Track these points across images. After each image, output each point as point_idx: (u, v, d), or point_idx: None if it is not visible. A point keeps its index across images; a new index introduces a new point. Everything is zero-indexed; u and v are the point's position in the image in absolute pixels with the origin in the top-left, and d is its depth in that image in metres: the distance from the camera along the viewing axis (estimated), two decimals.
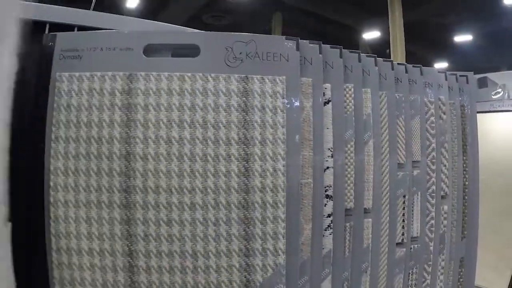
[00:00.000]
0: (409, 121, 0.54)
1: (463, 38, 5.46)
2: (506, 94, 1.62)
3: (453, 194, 0.60)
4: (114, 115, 0.41)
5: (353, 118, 0.48)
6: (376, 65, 0.51)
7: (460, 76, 0.62)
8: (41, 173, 0.41)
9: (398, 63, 0.55)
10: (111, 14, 0.76)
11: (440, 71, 0.60)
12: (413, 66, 0.56)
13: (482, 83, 1.69)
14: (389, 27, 4.40)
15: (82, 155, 0.41)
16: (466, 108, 0.63)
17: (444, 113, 0.59)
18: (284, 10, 5.20)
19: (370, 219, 0.50)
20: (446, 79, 0.60)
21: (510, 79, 1.67)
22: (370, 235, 0.50)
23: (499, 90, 1.63)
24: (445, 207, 0.58)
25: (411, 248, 0.55)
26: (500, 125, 1.61)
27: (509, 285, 1.48)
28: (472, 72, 0.64)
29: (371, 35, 5.59)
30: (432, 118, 0.57)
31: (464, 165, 0.62)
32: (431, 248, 0.57)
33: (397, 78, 0.54)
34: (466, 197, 0.62)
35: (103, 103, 0.41)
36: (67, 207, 0.41)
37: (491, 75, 1.76)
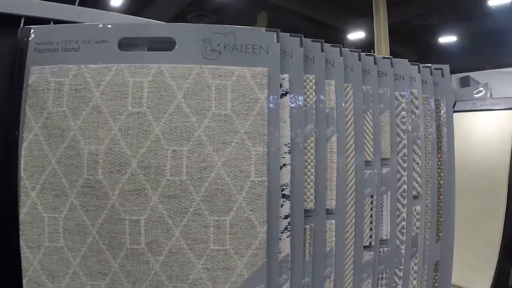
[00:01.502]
0: (377, 115, 0.51)
1: (447, 39, 5.48)
2: (488, 93, 1.60)
3: (427, 193, 0.57)
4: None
5: (314, 111, 0.45)
6: (341, 55, 0.48)
7: (435, 69, 0.59)
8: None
9: (366, 54, 0.51)
10: (88, 8, 0.73)
11: (413, 63, 0.56)
12: (383, 58, 0.53)
13: (464, 82, 1.68)
14: (373, 28, 4.39)
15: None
16: (441, 103, 0.59)
17: (417, 108, 0.55)
18: (269, 10, 5.19)
19: (333, 221, 0.46)
20: (419, 72, 0.56)
21: (492, 78, 1.66)
22: (334, 238, 0.46)
23: (481, 89, 1.61)
24: (418, 208, 0.55)
25: (380, 252, 0.51)
26: (482, 124, 1.59)
27: (492, 285, 1.46)
28: (448, 65, 0.61)
29: (356, 35, 5.59)
30: (404, 113, 0.54)
31: (439, 163, 0.59)
32: (403, 251, 0.53)
33: (365, 70, 0.51)
34: (441, 197, 0.59)
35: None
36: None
37: (473, 74, 1.75)
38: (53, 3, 0.67)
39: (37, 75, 0.41)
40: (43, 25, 0.44)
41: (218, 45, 0.42)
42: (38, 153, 0.39)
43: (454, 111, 1.75)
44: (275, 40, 0.43)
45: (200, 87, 0.40)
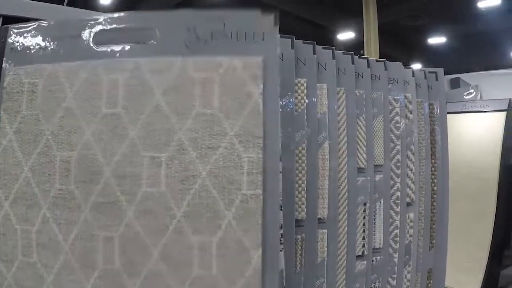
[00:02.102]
0: (371, 120, 0.49)
1: (437, 40, 5.53)
2: (479, 94, 1.60)
3: (420, 200, 0.55)
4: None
5: (306, 116, 0.43)
6: (334, 58, 0.46)
7: (429, 72, 0.58)
8: None
9: (359, 57, 0.50)
10: (66, 7, 0.71)
11: (406, 66, 0.55)
12: (376, 61, 0.51)
13: (455, 83, 1.68)
14: (363, 28, 4.40)
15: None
16: (435, 107, 0.58)
17: (411, 112, 0.54)
18: (259, 9, 5.19)
19: (325, 230, 0.44)
20: (413, 76, 0.55)
21: (483, 80, 1.66)
22: (326, 248, 0.44)
23: (472, 90, 1.61)
24: (411, 215, 0.53)
25: (373, 261, 0.50)
26: (472, 126, 1.59)
27: (481, 287, 1.46)
28: (442, 69, 0.60)
29: (345, 35, 5.60)
30: (397, 118, 0.52)
31: (433, 169, 0.58)
32: (396, 259, 0.52)
33: (358, 73, 0.49)
34: (434, 204, 0.58)
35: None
36: None
37: (463, 76, 1.75)
38: (34, 2, 0.65)
39: (11, 76, 0.38)
40: (20, 24, 0.41)
41: (204, 33, 0.37)
42: (12, 160, 0.37)
43: None
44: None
45: (182, 82, 0.35)
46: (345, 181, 0.46)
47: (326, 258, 0.44)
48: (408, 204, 0.53)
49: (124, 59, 0.37)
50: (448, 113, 1.70)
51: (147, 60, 0.37)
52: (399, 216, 0.52)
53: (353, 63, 0.48)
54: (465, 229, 1.50)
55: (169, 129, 0.35)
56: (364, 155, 0.48)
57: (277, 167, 0.35)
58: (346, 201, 0.46)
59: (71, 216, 0.35)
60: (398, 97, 0.52)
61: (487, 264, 1.52)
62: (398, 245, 0.52)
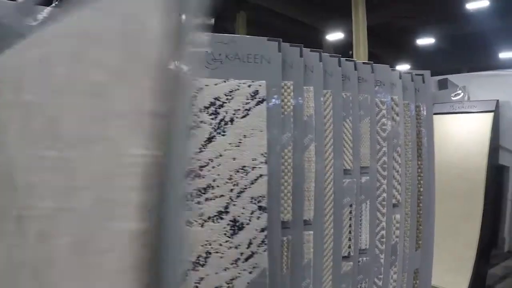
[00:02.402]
0: (357, 123, 0.50)
1: (425, 41, 5.57)
2: (466, 95, 1.62)
3: (406, 202, 0.56)
4: None
5: (292, 119, 0.43)
6: (320, 60, 0.46)
7: (416, 75, 0.58)
8: None
9: (346, 59, 0.50)
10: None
11: (393, 69, 0.55)
12: (363, 63, 0.51)
13: (442, 84, 1.69)
14: (352, 29, 4.42)
15: None
16: (421, 109, 0.59)
17: (397, 114, 0.54)
18: (248, 10, 5.16)
19: (311, 232, 0.45)
20: (400, 78, 0.55)
21: (470, 81, 1.67)
22: (312, 249, 0.45)
23: (459, 91, 1.62)
24: (398, 216, 0.54)
25: (359, 262, 0.50)
26: (460, 126, 1.60)
27: (468, 287, 1.48)
28: (429, 71, 0.60)
29: (334, 36, 5.61)
30: (384, 120, 0.52)
31: (419, 170, 0.58)
32: (382, 260, 0.52)
33: (345, 76, 0.49)
34: (420, 205, 0.59)
35: None
36: None
37: (451, 77, 1.76)
38: None
39: None
40: None
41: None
42: None
43: (433, 113, 1.76)
44: (277, 50, 0.43)
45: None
46: (331, 183, 0.46)
47: (312, 259, 0.45)
48: (394, 205, 0.54)
49: None
50: (436, 114, 1.71)
51: None
52: (385, 217, 0.52)
53: (340, 65, 0.48)
54: (453, 229, 1.52)
55: None
56: (350, 157, 0.48)
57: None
58: (332, 202, 0.46)
59: None
60: (385, 99, 0.53)
61: (474, 264, 1.53)
62: (384, 246, 0.52)
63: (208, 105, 0.40)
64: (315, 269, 0.45)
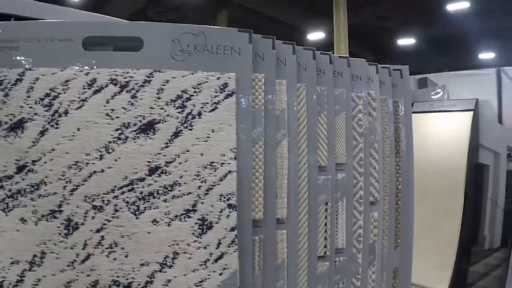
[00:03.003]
0: (332, 118, 0.48)
1: (406, 41, 5.66)
2: (446, 94, 1.63)
3: (384, 199, 0.55)
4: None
5: (263, 113, 0.41)
6: (294, 53, 0.45)
7: (394, 70, 0.57)
8: None
9: (321, 53, 0.48)
10: (50, 4, 0.69)
11: (371, 63, 0.54)
12: (339, 57, 0.50)
13: (422, 83, 1.70)
14: (333, 29, 4.45)
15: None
16: (399, 105, 0.58)
17: (374, 110, 0.53)
18: (230, 8, 5.17)
19: (284, 231, 0.43)
20: (377, 73, 0.54)
21: (450, 80, 1.69)
22: (285, 249, 0.43)
23: (439, 90, 1.64)
24: (375, 214, 0.53)
25: (335, 261, 0.49)
26: (440, 125, 1.61)
27: (449, 284, 1.49)
28: (407, 66, 0.59)
29: (315, 36, 5.65)
30: (360, 115, 0.51)
31: (397, 167, 0.57)
32: (360, 260, 0.51)
33: (320, 69, 0.48)
34: (399, 202, 0.57)
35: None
36: None
37: (431, 76, 1.78)
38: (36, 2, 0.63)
39: None
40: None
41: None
42: None
43: (412, 112, 1.78)
44: (248, 41, 0.42)
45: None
46: (305, 179, 0.45)
47: (286, 260, 0.43)
48: (372, 203, 0.52)
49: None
50: (416, 112, 1.72)
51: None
52: (362, 215, 0.51)
53: (314, 58, 0.47)
54: (434, 227, 1.53)
55: None
56: (325, 153, 0.47)
57: None
58: (307, 200, 0.45)
59: None
60: (362, 94, 0.51)
61: (455, 261, 1.55)
62: (361, 245, 0.51)
63: (174, 98, 0.38)
64: (290, 269, 0.43)
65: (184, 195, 0.38)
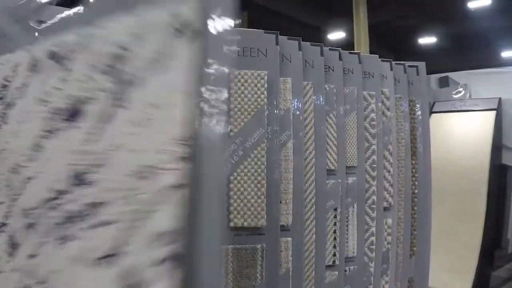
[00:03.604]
0: (342, 118, 0.45)
1: (427, 40, 5.55)
2: (468, 93, 1.58)
3: (399, 205, 0.51)
4: None
5: (266, 113, 0.39)
6: (300, 49, 0.42)
7: (409, 66, 0.54)
8: None
9: (330, 48, 0.46)
10: None
11: (384, 59, 0.51)
12: (349, 53, 0.47)
13: (443, 82, 1.65)
14: (353, 28, 4.40)
15: None
16: (416, 104, 0.54)
17: (388, 109, 0.50)
18: (250, 10, 5.16)
19: (289, 238, 0.40)
20: (391, 69, 0.51)
21: (471, 79, 1.63)
22: (290, 258, 0.40)
23: (461, 89, 1.58)
24: (389, 221, 0.49)
25: (346, 271, 0.46)
26: (461, 125, 1.56)
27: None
28: (424, 63, 0.56)
29: (336, 35, 5.60)
30: (373, 115, 0.48)
31: (413, 170, 0.54)
32: (372, 269, 0.48)
33: (328, 66, 0.45)
34: (415, 208, 0.54)
35: None
36: None
37: (452, 75, 1.72)
38: None
39: None
40: None
41: None
42: None
43: (433, 112, 1.72)
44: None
45: None
46: (313, 184, 0.42)
47: (291, 269, 0.40)
48: (386, 209, 0.49)
49: None
50: (437, 112, 1.66)
51: None
52: (375, 222, 0.48)
53: (322, 55, 0.44)
54: (455, 230, 1.47)
55: None
56: (335, 156, 0.44)
57: None
58: (314, 206, 0.42)
59: None
60: (374, 93, 0.48)
61: (477, 265, 1.49)
62: (374, 253, 0.48)
63: (108, 62, 0.32)
64: (295, 279, 0.41)
65: (108, 224, 0.21)
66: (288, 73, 0.41)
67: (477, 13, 4.56)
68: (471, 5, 4.53)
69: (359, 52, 0.47)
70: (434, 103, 1.70)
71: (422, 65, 0.55)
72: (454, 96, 1.60)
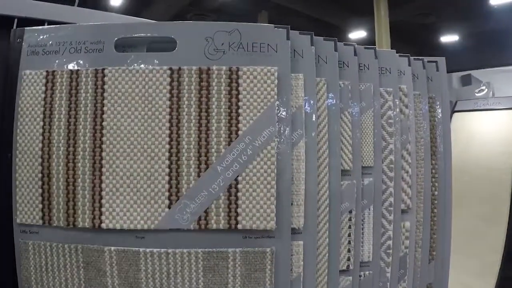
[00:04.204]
0: (357, 115, 0.43)
1: (449, 38, 5.45)
2: (491, 92, 1.52)
3: (418, 207, 0.49)
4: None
5: (276, 111, 0.37)
6: (312, 44, 0.40)
7: (428, 62, 0.51)
8: None
9: (344, 43, 0.44)
10: (83, 8, 0.69)
11: (402, 54, 0.48)
12: (365, 47, 0.45)
13: (466, 80, 1.61)
14: (374, 27, 4.34)
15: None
16: (436, 101, 0.51)
17: (407, 107, 0.47)
18: (270, 9, 5.14)
19: (301, 242, 0.38)
20: (409, 65, 0.48)
21: (494, 77, 1.58)
22: (302, 262, 0.38)
23: (483, 87, 1.53)
24: (407, 224, 0.47)
25: (360, 276, 0.43)
26: (484, 124, 1.51)
27: None
28: (444, 58, 0.53)
29: (357, 34, 5.53)
30: (390, 113, 0.46)
31: (433, 171, 0.51)
32: (388, 274, 0.45)
33: (343, 62, 0.43)
34: (435, 210, 0.51)
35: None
36: None
37: (475, 73, 1.67)
38: (47, 3, 0.63)
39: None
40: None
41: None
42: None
43: (456, 111, 1.68)
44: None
45: None
46: (326, 185, 0.40)
47: (302, 274, 0.38)
48: (404, 211, 0.47)
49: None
50: (459, 111, 1.62)
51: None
52: (392, 225, 0.45)
53: (336, 50, 0.42)
54: (476, 232, 1.43)
55: None
56: (350, 155, 0.42)
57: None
58: (327, 208, 0.40)
59: None
60: (391, 89, 0.46)
61: (500, 268, 1.44)
62: (391, 258, 0.45)
63: None
64: (307, 284, 0.39)
65: None
66: (300, 69, 0.39)
67: (500, 10, 4.45)
68: (493, 2, 4.42)
69: (375, 47, 0.45)
70: (456, 102, 1.65)
71: (442, 60, 0.52)
72: (476, 94, 1.55)
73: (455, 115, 1.58)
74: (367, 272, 0.44)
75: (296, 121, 0.38)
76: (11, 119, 0.38)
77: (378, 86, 0.45)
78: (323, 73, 0.41)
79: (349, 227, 0.42)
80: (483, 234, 1.44)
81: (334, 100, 0.41)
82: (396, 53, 0.48)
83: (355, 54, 0.43)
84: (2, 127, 0.38)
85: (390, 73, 0.46)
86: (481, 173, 1.44)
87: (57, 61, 0.38)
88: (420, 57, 0.50)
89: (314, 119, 0.39)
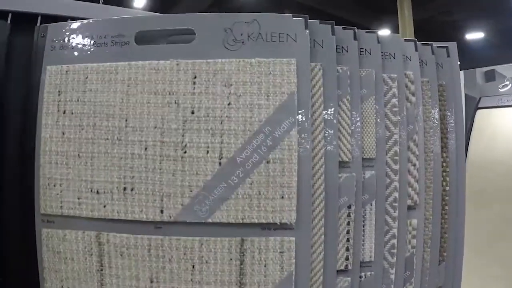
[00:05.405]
0: (357, 103, 0.40)
1: (474, 35, 5.30)
2: None
3: (427, 203, 0.45)
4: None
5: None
6: (306, 28, 0.37)
7: (438, 47, 0.47)
8: None
9: (343, 27, 0.41)
10: (105, 5, 0.69)
11: (408, 39, 0.45)
12: (366, 32, 0.42)
13: (490, 76, 1.54)
14: (398, 25, 4.27)
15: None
16: (446, 89, 0.48)
17: (413, 94, 0.44)
18: (292, 8, 5.13)
19: (292, 238, 0.36)
20: (416, 50, 0.45)
21: None
22: (293, 260, 0.36)
23: (507, 82, 1.46)
24: (414, 221, 0.44)
25: (361, 277, 0.40)
26: (509, 120, 1.44)
27: None
28: (455, 43, 0.49)
29: (381, 33, 5.50)
30: (395, 100, 0.42)
31: (444, 164, 0.47)
32: (392, 276, 0.42)
33: (341, 47, 0.40)
34: (446, 207, 0.47)
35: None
36: None
37: (499, 68, 1.60)
38: (71, 0, 0.65)
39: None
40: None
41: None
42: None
43: (479, 108, 1.61)
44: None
45: None
46: (321, 177, 0.37)
47: (294, 273, 0.36)
48: (410, 208, 0.43)
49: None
50: (482, 108, 1.56)
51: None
52: (397, 222, 0.42)
53: (333, 33, 0.39)
54: (501, 234, 1.37)
55: None
56: (348, 146, 0.39)
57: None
58: (323, 202, 0.37)
59: None
60: (396, 76, 0.42)
61: None
62: (395, 258, 0.42)
63: None
64: (299, 284, 0.36)
65: None
66: (293, 53, 0.37)
67: None
68: None
69: (377, 31, 0.42)
70: (480, 98, 1.59)
71: (453, 45, 0.48)
72: (500, 90, 1.49)
73: (479, 111, 1.52)
74: (368, 273, 0.41)
75: (289, 109, 0.35)
76: (35, 113, 0.39)
77: (381, 72, 0.42)
78: (318, 58, 0.38)
79: (348, 223, 0.39)
80: (507, 235, 1.37)
81: (331, 87, 0.38)
82: (397, 33, 0.45)
83: (355, 38, 0.40)
84: (27, 120, 0.40)
85: (394, 58, 0.43)
86: (506, 171, 1.38)
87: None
88: (429, 42, 0.47)
89: (308, 106, 0.36)
